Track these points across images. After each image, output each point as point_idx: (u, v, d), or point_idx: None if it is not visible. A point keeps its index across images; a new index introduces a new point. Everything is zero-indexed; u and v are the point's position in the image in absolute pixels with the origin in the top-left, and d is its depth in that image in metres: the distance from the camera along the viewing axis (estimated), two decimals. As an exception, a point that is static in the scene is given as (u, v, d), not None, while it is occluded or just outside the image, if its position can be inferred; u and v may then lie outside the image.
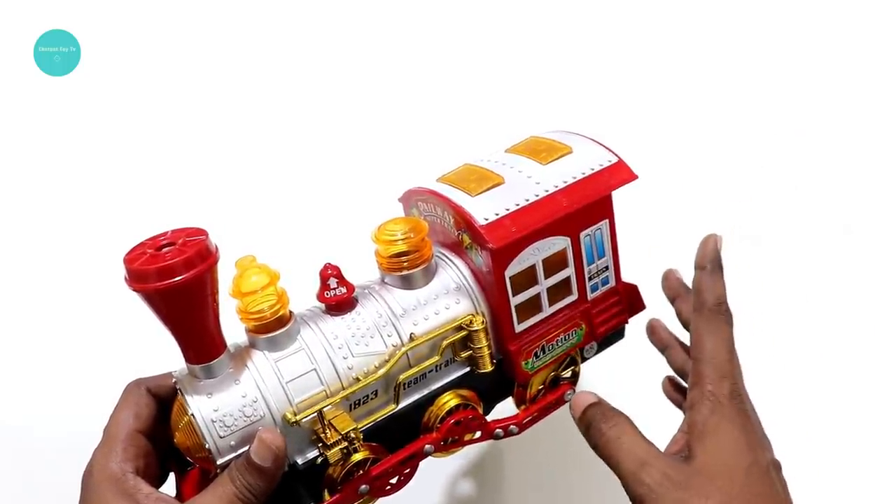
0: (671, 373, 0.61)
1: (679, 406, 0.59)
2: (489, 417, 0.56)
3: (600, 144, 0.57)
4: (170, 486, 0.52)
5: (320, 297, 0.51)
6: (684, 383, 0.58)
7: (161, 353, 0.49)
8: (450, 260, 0.55)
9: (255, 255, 0.48)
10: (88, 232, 0.87)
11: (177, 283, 0.42)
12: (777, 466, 0.49)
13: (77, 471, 0.46)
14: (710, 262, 0.54)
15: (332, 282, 0.50)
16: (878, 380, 0.86)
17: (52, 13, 0.87)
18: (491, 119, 0.92)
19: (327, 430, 0.47)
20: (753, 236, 0.96)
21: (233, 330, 0.49)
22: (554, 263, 0.54)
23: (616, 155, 0.56)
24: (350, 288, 0.51)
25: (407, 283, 0.53)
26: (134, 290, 0.42)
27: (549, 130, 0.60)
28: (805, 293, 0.93)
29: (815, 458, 0.74)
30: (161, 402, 0.50)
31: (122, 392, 0.50)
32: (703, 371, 0.50)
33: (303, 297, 0.52)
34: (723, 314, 0.52)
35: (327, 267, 0.51)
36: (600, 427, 0.50)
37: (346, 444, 0.47)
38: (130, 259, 0.43)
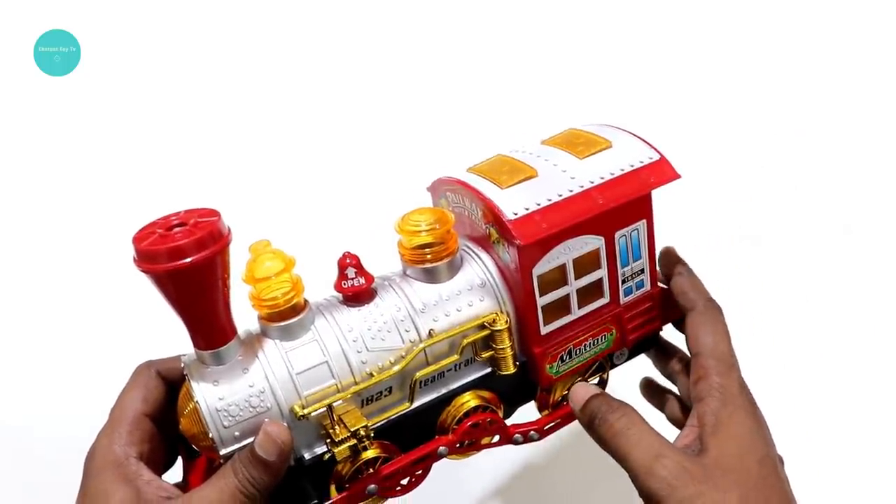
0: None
1: (659, 408, 0.59)
2: (509, 421, 0.54)
3: (642, 140, 0.54)
4: (178, 471, 0.51)
5: (337, 287, 0.49)
6: (672, 385, 0.58)
7: (168, 345, 0.48)
8: (476, 254, 0.52)
9: (270, 239, 0.47)
10: (90, 232, 0.88)
11: (187, 264, 0.40)
12: (781, 461, 0.48)
13: (77, 471, 0.45)
14: (683, 267, 0.55)
15: (351, 271, 0.48)
16: (877, 379, 0.85)
17: (52, 13, 0.88)
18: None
19: (336, 426, 0.45)
20: (753, 236, 0.97)
21: (246, 317, 0.47)
22: (585, 263, 0.51)
23: (658, 152, 0.53)
24: (369, 279, 0.49)
25: (429, 277, 0.50)
26: (142, 270, 0.41)
27: (589, 123, 0.57)
28: (805, 293, 0.93)
29: (815, 457, 0.73)
30: (171, 385, 0.49)
31: (132, 374, 0.49)
32: (708, 364, 0.49)
33: (320, 285, 0.50)
34: (716, 308, 0.52)
35: (346, 255, 0.49)
36: (607, 418, 0.48)
37: (355, 441, 0.45)
38: (139, 238, 0.41)
